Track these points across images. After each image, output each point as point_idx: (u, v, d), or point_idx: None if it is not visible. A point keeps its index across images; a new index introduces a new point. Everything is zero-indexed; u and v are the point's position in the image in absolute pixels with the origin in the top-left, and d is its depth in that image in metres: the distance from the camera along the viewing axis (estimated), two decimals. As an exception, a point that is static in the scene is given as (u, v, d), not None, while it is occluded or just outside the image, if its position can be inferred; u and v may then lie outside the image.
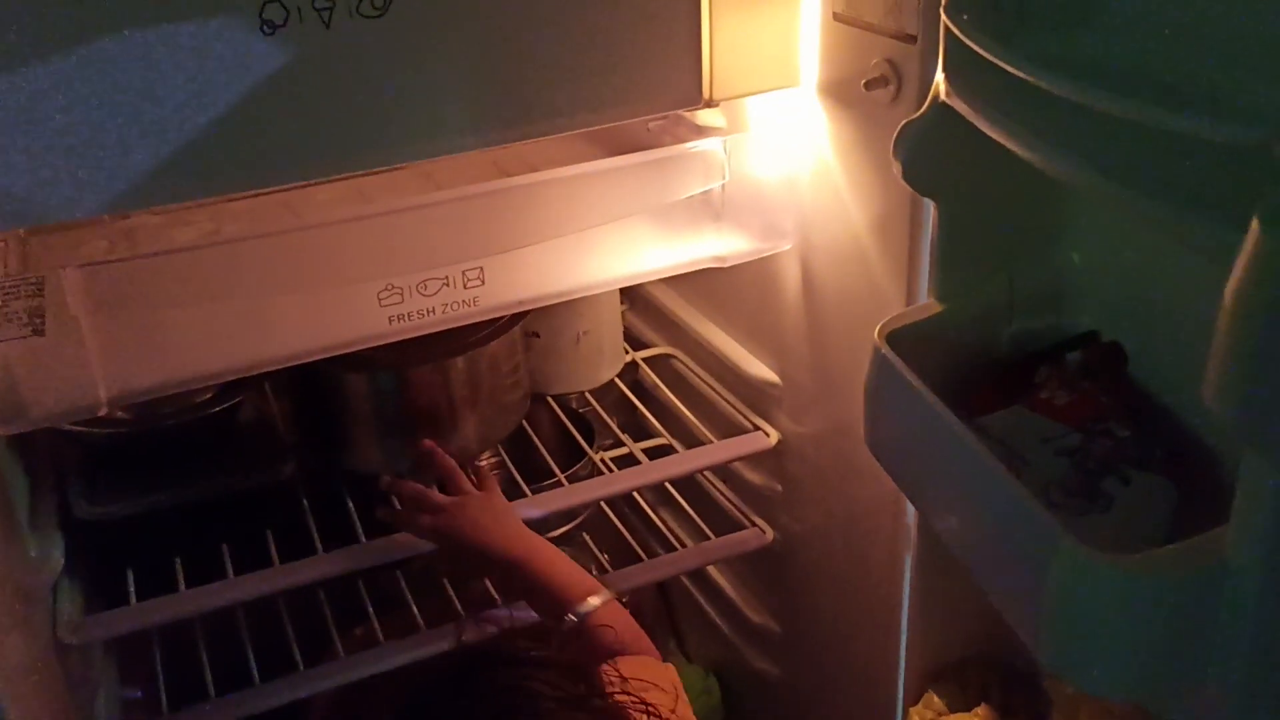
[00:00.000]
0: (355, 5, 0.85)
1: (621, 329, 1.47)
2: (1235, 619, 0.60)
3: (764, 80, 1.04)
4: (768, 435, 1.29)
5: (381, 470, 1.26)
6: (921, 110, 0.82)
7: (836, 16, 0.98)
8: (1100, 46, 0.70)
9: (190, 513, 1.24)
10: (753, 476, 1.36)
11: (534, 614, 1.05)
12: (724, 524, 1.35)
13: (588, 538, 1.46)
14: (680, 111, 1.06)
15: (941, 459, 0.79)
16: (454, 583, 1.23)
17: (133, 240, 0.96)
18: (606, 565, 1.40)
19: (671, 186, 1.09)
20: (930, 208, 0.90)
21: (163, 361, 0.95)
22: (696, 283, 1.39)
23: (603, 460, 1.40)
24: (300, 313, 0.99)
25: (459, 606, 1.21)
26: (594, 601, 1.00)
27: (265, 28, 0.83)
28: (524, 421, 1.36)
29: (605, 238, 1.08)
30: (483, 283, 1.04)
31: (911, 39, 0.90)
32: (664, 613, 1.67)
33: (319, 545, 1.18)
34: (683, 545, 1.37)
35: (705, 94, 1.01)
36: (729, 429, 1.35)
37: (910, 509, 1.05)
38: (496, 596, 1.20)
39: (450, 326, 1.06)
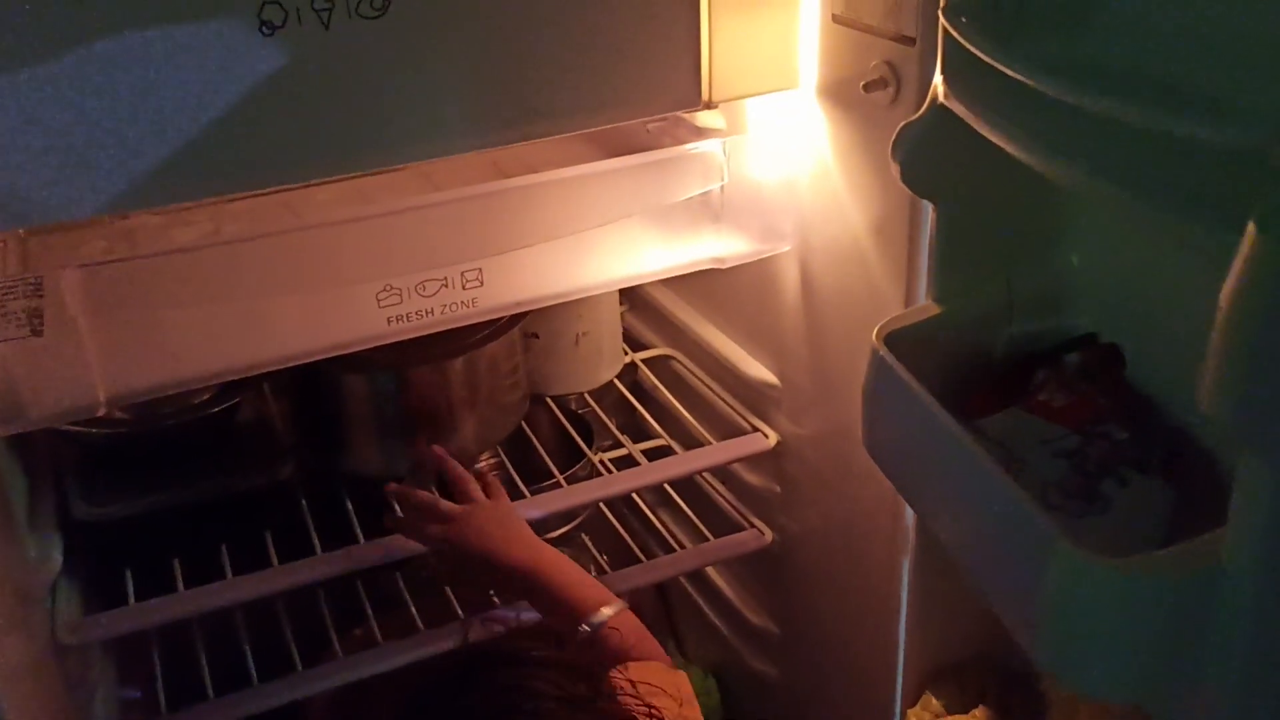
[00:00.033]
0: (354, 6, 0.85)
1: (621, 330, 1.47)
2: (1232, 621, 0.60)
3: (763, 82, 1.04)
4: (766, 437, 1.29)
5: (380, 471, 1.26)
6: (920, 112, 0.82)
7: (836, 18, 0.98)
8: (1099, 49, 0.70)
9: (189, 513, 1.24)
10: (751, 478, 1.36)
11: (537, 613, 1.05)
12: (723, 525, 1.36)
13: (587, 539, 1.46)
14: (679, 113, 1.06)
15: (939, 461, 0.79)
16: (461, 590, 1.22)
17: (132, 240, 0.96)
18: (605, 566, 1.40)
19: (670, 188, 1.09)
20: (929, 210, 0.90)
21: (161, 362, 0.95)
22: (696, 284, 1.40)
23: (602, 461, 1.40)
24: (299, 313, 0.99)
25: (458, 607, 1.21)
26: (607, 611, 0.98)
27: (264, 29, 0.83)
28: (523, 422, 1.36)
29: (604, 239, 1.08)
30: (481, 284, 1.04)
31: (910, 41, 0.90)
32: (663, 614, 1.67)
33: (318, 546, 1.18)
34: (681, 546, 1.37)
35: (704, 96, 1.01)
36: (728, 430, 1.35)
37: (909, 511, 1.05)
38: (496, 599, 1.20)
39: (449, 328, 1.06)
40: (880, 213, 0.99)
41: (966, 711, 1.07)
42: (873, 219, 1.01)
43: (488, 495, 1.12)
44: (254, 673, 1.13)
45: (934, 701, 1.10)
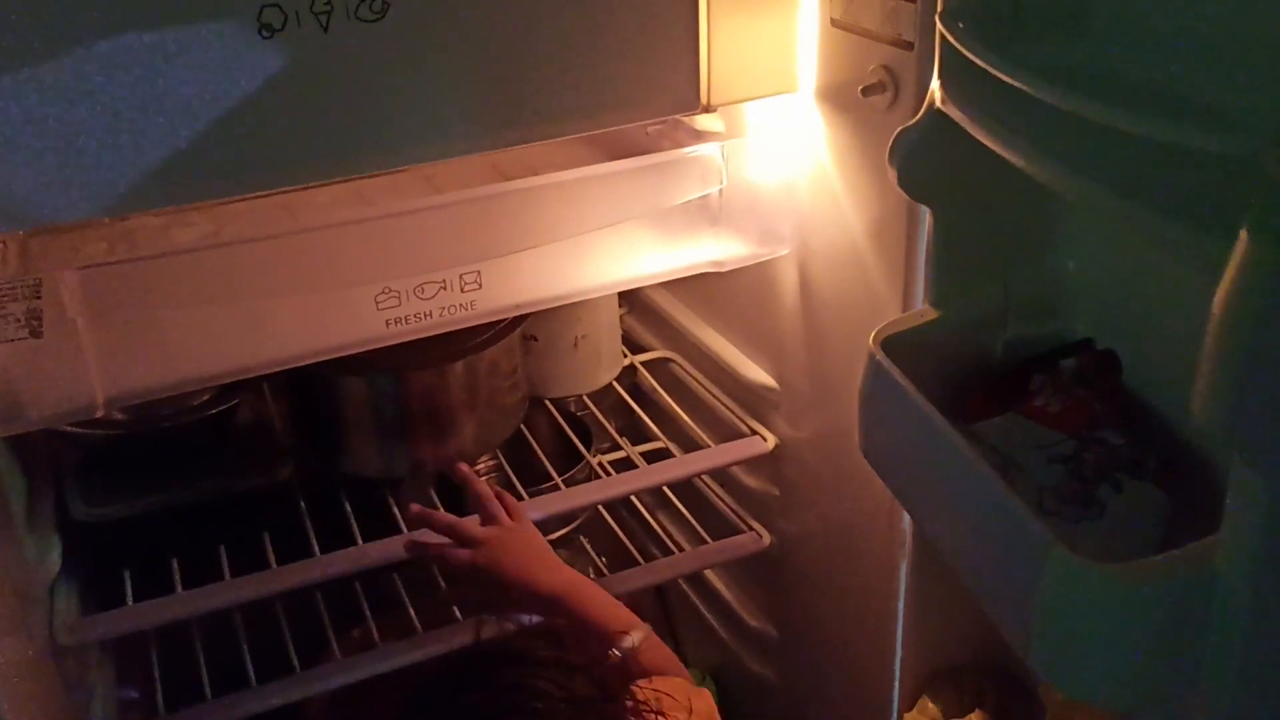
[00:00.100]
0: (353, 9, 0.85)
1: (620, 333, 1.47)
2: (1227, 626, 0.60)
3: (762, 86, 1.04)
4: (765, 440, 1.29)
5: (379, 473, 1.26)
6: (917, 117, 0.82)
7: (834, 22, 0.99)
8: (1094, 54, 0.70)
9: (187, 514, 1.24)
10: (750, 481, 1.36)
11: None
12: (721, 528, 1.36)
13: (585, 541, 1.46)
14: (679, 116, 1.06)
15: (935, 465, 0.79)
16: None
17: (132, 242, 0.96)
18: (604, 569, 1.40)
19: (669, 191, 1.09)
20: (927, 214, 0.90)
21: (160, 363, 0.95)
22: (695, 287, 1.40)
23: (600, 464, 1.40)
24: (297, 315, 0.99)
25: (457, 610, 1.21)
26: (637, 635, 0.96)
27: (264, 31, 0.84)
28: (522, 425, 1.36)
29: (603, 242, 1.08)
30: (480, 286, 1.04)
31: (909, 45, 0.90)
32: (661, 616, 1.68)
33: (316, 547, 1.18)
34: (680, 549, 1.37)
35: (703, 99, 1.02)
36: (726, 433, 1.35)
37: (907, 514, 1.05)
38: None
39: (447, 330, 1.06)
40: (878, 217, 0.99)
41: (963, 716, 1.07)
42: (871, 223, 1.01)
43: (509, 516, 1.10)
44: (252, 674, 1.13)
45: (931, 705, 1.10)
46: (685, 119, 1.10)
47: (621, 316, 1.50)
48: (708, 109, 1.02)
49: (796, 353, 1.20)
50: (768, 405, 1.29)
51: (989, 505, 0.72)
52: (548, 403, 1.43)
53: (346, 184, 0.95)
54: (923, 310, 0.92)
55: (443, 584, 1.23)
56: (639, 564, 1.32)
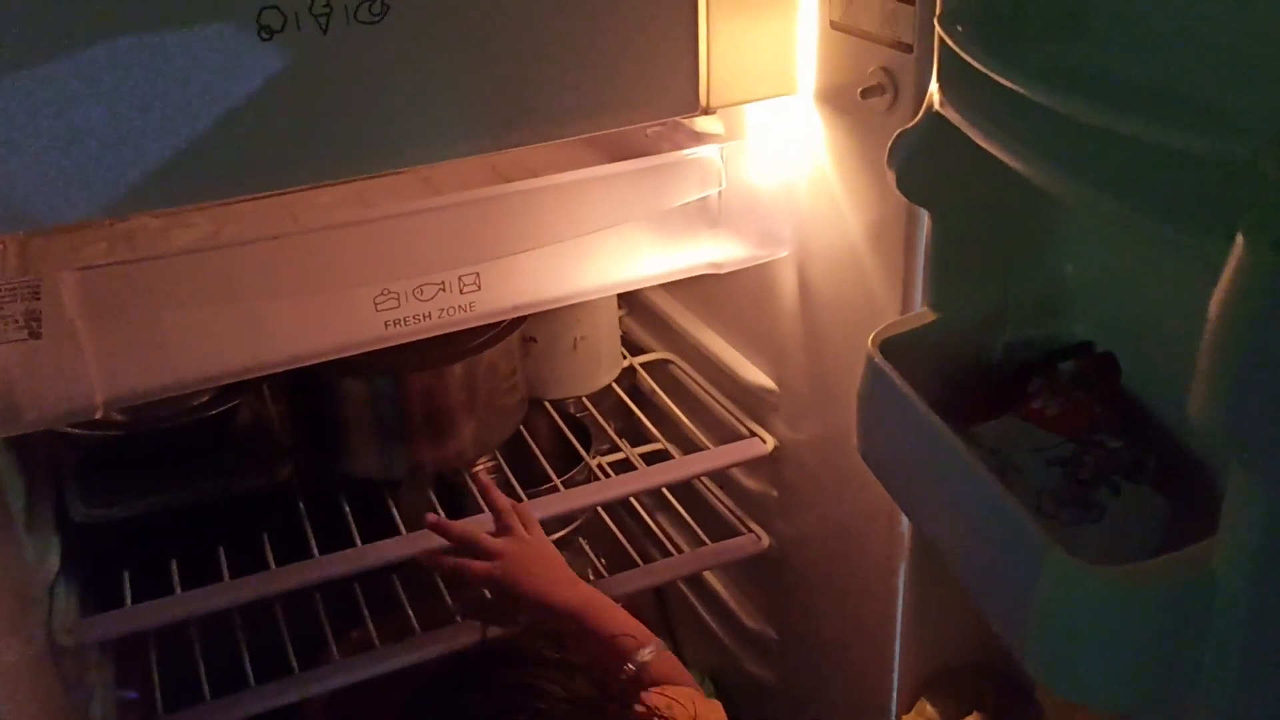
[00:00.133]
0: (353, 11, 0.85)
1: (619, 334, 1.47)
2: (1225, 629, 0.60)
3: (761, 88, 1.04)
4: (764, 441, 1.29)
5: (378, 474, 1.26)
6: (916, 120, 0.82)
7: (833, 25, 0.99)
8: (1093, 57, 0.70)
9: (187, 515, 1.24)
10: (749, 482, 1.36)
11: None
12: (720, 530, 1.36)
13: (584, 542, 1.47)
14: (678, 118, 1.06)
15: (933, 468, 0.79)
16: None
17: (132, 243, 0.96)
18: (603, 570, 1.40)
19: (668, 193, 1.09)
20: (926, 216, 0.90)
21: (159, 364, 0.95)
22: (694, 289, 1.40)
23: (600, 465, 1.40)
24: (296, 317, 0.99)
25: (455, 611, 1.21)
26: (650, 652, 0.95)
27: (263, 33, 0.84)
28: (521, 426, 1.36)
29: (602, 243, 1.08)
30: (479, 288, 1.04)
31: (908, 48, 0.90)
32: (660, 618, 1.68)
33: (315, 548, 1.18)
34: (679, 551, 1.37)
35: (703, 101, 1.02)
36: (726, 435, 1.35)
37: (905, 516, 1.05)
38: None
39: (446, 331, 1.06)
40: (877, 219, 0.99)
41: (962, 718, 1.07)
42: (870, 225, 1.01)
43: (524, 527, 1.09)
44: (251, 674, 1.13)
45: (929, 707, 1.10)
46: (685, 121, 1.10)
47: (621, 318, 1.50)
48: (707, 111, 1.02)
49: (796, 355, 1.20)
50: (767, 407, 1.29)
51: (987, 508, 0.72)
52: (547, 404, 1.43)
53: (346, 185, 0.95)
54: (921, 312, 0.92)
55: (444, 588, 1.23)
56: (638, 565, 1.32)
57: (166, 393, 0.97)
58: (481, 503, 1.25)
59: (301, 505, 1.25)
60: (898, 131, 0.83)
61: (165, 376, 0.96)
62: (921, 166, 0.82)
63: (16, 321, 0.87)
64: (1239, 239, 0.49)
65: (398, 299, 1.01)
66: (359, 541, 1.19)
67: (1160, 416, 0.85)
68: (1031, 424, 0.84)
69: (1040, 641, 0.68)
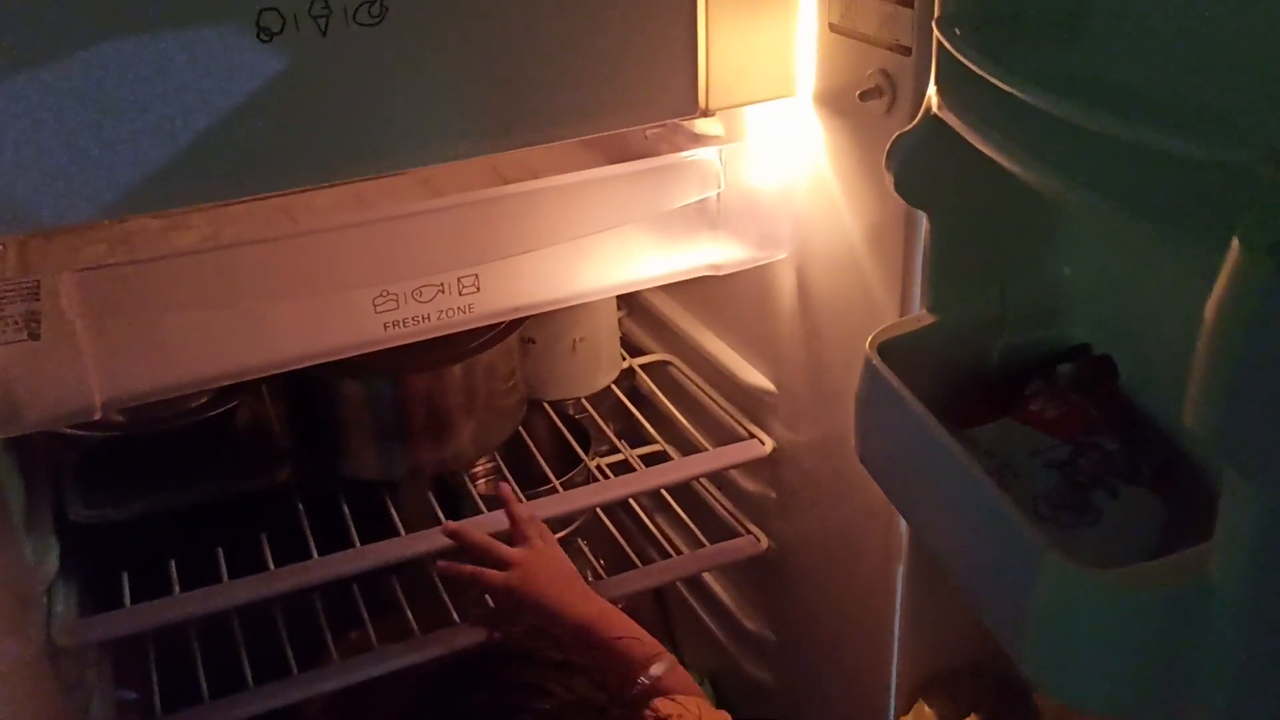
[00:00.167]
0: (352, 13, 0.85)
1: (618, 335, 1.47)
2: (1221, 633, 0.60)
3: (760, 90, 1.04)
4: (763, 443, 1.29)
5: (378, 475, 1.26)
6: (914, 123, 0.82)
7: (832, 27, 0.99)
8: (1091, 61, 0.70)
9: (186, 516, 1.24)
10: (748, 484, 1.36)
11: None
12: (719, 531, 1.36)
13: (583, 544, 1.47)
14: (677, 120, 1.06)
15: (930, 471, 0.79)
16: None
17: (131, 244, 0.96)
18: (602, 571, 1.40)
19: (667, 195, 1.09)
20: (924, 218, 0.90)
21: (158, 366, 0.95)
22: (693, 290, 1.40)
23: (599, 467, 1.40)
24: (295, 318, 0.99)
25: (454, 613, 1.21)
26: (663, 666, 0.95)
27: (262, 35, 0.84)
28: (520, 428, 1.37)
29: (601, 245, 1.08)
30: (478, 289, 1.04)
31: (906, 51, 0.90)
32: (660, 619, 1.68)
33: (314, 550, 1.18)
34: (678, 552, 1.37)
35: (702, 103, 1.02)
36: (725, 436, 1.35)
37: (903, 519, 1.05)
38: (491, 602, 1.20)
39: (445, 333, 1.06)
40: (876, 221, 0.99)
41: (960, 720, 1.08)
42: (868, 227, 1.01)
43: (540, 538, 1.09)
44: (250, 676, 1.13)
45: (927, 709, 1.10)
46: (684, 123, 1.11)
47: (620, 319, 1.50)
48: (706, 113, 1.02)
49: (794, 357, 1.20)
50: (765, 409, 1.29)
51: (984, 511, 0.72)
52: (546, 405, 1.43)
53: (345, 187, 0.95)
54: (919, 315, 0.92)
55: (443, 590, 1.23)
56: (637, 567, 1.32)
57: (166, 394, 0.97)
58: (481, 506, 1.26)
59: (300, 506, 1.25)
60: (896, 134, 0.83)
61: (164, 378, 0.96)
62: (919, 169, 0.83)
63: (16, 322, 0.87)
64: (1233, 245, 0.49)
65: (397, 300, 1.01)
66: (358, 542, 1.19)
67: (1158, 419, 0.85)
68: (1029, 427, 0.84)
69: (1037, 644, 0.68)
